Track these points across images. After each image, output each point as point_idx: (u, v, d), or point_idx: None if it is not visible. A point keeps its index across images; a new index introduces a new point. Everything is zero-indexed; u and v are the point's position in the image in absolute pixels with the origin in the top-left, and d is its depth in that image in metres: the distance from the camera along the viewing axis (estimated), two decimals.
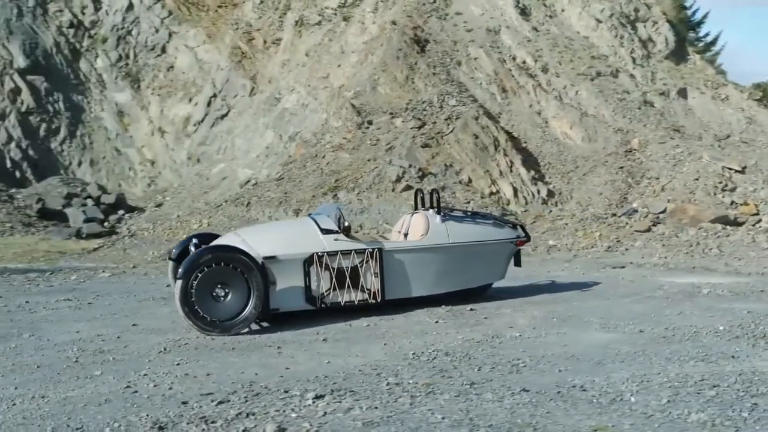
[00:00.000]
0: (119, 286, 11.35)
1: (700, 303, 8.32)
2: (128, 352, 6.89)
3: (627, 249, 14.21)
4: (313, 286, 7.87)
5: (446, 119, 19.89)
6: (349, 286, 7.98)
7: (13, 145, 33.41)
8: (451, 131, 19.56)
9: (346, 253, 7.96)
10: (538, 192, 18.98)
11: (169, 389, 5.67)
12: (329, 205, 9.71)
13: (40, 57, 34.67)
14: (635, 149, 19.84)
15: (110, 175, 34.93)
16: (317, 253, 7.87)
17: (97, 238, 22.64)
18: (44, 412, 5.23)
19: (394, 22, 23.16)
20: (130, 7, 36.22)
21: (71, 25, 35.55)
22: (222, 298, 7.42)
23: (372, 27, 24.58)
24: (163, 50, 36.00)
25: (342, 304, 8.02)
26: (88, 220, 27.79)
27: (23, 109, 34.01)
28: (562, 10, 23.42)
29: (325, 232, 8.02)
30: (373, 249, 8.08)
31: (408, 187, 18.39)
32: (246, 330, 7.64)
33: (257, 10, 33.53)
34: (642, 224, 16.68)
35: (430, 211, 8.72)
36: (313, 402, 5.09)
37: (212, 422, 4.79)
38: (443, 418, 4.65)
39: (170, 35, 36.08)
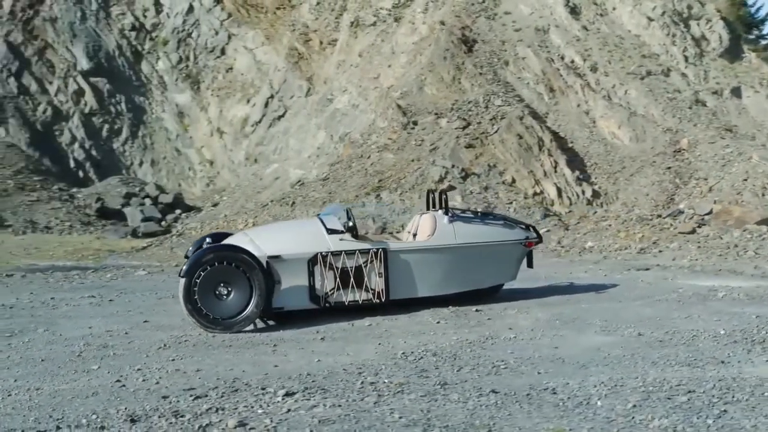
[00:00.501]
0: (147, 284, 11.64)
1: (712, 306, 8.16)
2: (130, 347, 7.09)
3: (661, 251, 13.98)
4: (318, 285, 7.97)
5: (491, 119, 19.83)
6: (353, 286, 8.05)
7: (76, 145, 34.36)
8: (496, 131, 19.49)
9: (350, 253, 8.03)
10: (583, 193, 18.79)
11: (156, 384, 5.83)
12: (338, 206, 9.78)
13: (102, 59, 35.56)
14: (684, 149, 19.48)
15: (170, 175, 35.66)
16: (321, 252, 7.96)
17: (152, 237, 23.17)
18: (34, 403, 5.44)
19: (442, 23, 23.17)
20: (191, 9, 36.86)
21: (133, 28, 36.37)
22: (225, 297, 7.57)
23: (422, 27, 24.63)
24: (223, 52, 36.57)
25: (346, 303, 8.10)
26: (145, 220, 28.51)
27: (86, 110, 34.94)
28: (613, 9, 23.11)
29: (331, 232, 8.10)
30: (378, 249, 8.14)
31: (451, 188, 18.40)
32: (250, 327, 7.77)
33: (314, 11, 33.78)
34: (686, 226, 16.38)
35: (439, 211, 8.73)
36: (283, 399, 5.19)
37: (181, 416, 4.93)
38: (400, 417, 4.70)
39: (229, 37, 36.63)
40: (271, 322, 8.18)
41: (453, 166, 18.76)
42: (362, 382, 5.55)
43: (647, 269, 11.47)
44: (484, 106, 20.24)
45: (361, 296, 8.12)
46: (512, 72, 21.64)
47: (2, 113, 32.92)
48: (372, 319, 8.00)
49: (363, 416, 4.74)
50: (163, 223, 28.13)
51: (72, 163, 34.01)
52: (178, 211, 29.66)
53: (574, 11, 22.91)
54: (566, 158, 19.30)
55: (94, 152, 34.61)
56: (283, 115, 33.45)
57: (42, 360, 6.74)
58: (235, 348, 6.95)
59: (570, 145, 20.05)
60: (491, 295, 9.06)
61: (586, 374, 5.64)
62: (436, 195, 9.13)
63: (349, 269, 8.03)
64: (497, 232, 8.75)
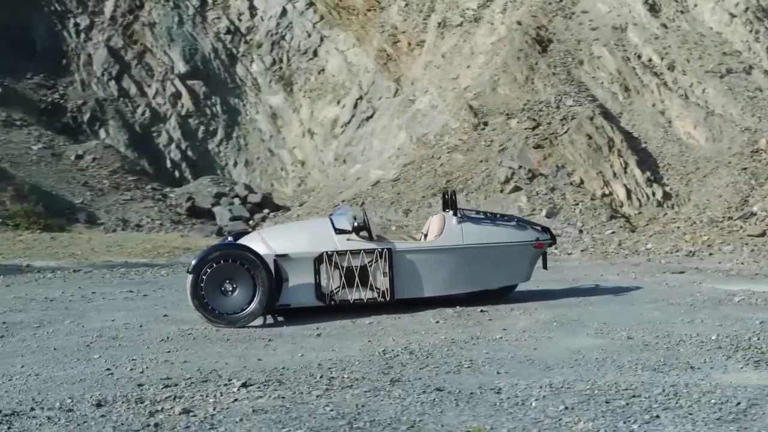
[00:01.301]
0: None
1: (722, 311, 8.01)
2: (137, 339, 7.51)
3: (711, 254, 13.65)
4: (324, 283, 8.22)
5: (561, 120, 19.69)
6: (358, 285, 8.26)
7: (173, 146, 35.64)
8: (566, 132, 19.33)
9: (355, 253, 8.26)
10: (653, 194, 18.46)
11: (141, 373, 6.19)
12: (351, 206, 10.00)
13: (198, 62, 36.80)
14: (762, 149, 18.86)
15: (263, 175, 36.59)
16: (327, 252, 8.20)
17: None
18: (26, 387, 5.89)
19: (519, 23, 23.09)
20: (284, 12, 37.65)
21: (228, 32, 37.47)
22: (230, 293, 7.92)
23: (501, 28, 24.60)
24: (315, 54, 37.25)
25: (351, 301, 8.32)
26: (234, 219, 29.42)
27: (183, 112, 36.22)
28: (695, 6, 22.51)
29: (339, 232, 8.34)
30: (383, 249, 8.32)
31: (516, 188, 18.39)
32: (258, 322, 8.09)
33: (402, 12, 34.02)
34: (756, 228, 15.90)
35: (449, 212, 8.83)
36: (238, 389, 5.46)
37: (140, 402, 5.27)
38: (332, 410, 4.90)
39: (321, 39, 37.29)
40: (280, 318, 8.48)
41: (520, 167, 18.71)
42: (322, 376, 5.77)
43: (682, 272, 11.26)
44: (555, 107, 20.11)
45: (366, 295, 8.33)
46: (587, 71, 21.40)
47: (103, 115, 34.50)
48: (376, 318, 8.19)
49: (297, 407, 4.96)
50: (250, 222, 28.97)
51: (168, 164, 35.38)
52: (266, 211, 30.50)
53: (654, 9, 22.43)
54: (637, 159, 18.99)
55: (189, 153, 35.90)
56: (371, 116, 33.88)
57: (54, 349, 7.21)
58: (232, 342, 7.27)
59: (643, 145, 19.69)
60: (504, 295, 9.13)
61: (542, 375, 5.70)
62: (449, 195, 9.22)
63: (354, 268, 8.24)
64: (507, 233, 8.80)
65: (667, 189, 18.61)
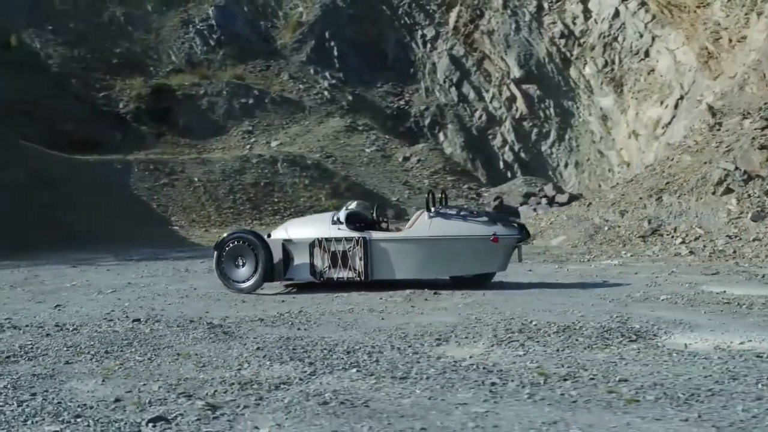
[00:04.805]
0: None
1: (623, 306, 8.48)
2: (172, 295, 10.59)
3: None
4: (316, 263, 10.52)
5: None
6: (341, 266, 10.43)
7: (506, 148, 38.40)
8: None
9: (339, 240, 10.44)
10: None
11: (125, 314, 9.10)
12: (362, 203, 11.74)
13: (532, 67, 39.08)
14: None
15: (592, 176, 37.85)
16: (318, 238, 10.49)
17: None
18: (54, 316, 9.10)
19: None
20: (617, 14, 38.35)
21: (562, 35, 39.20)
22: (241, 266, 10.61)
23: None
24: (646, 54, 37.49)
25: (335, 279, 10.52)
26: None
27: (517, 115, 38.81)
28: None
29: (334, 222, 10.58)
30: (359, 237, 10.40)
31: (728, 190, 18.25)
32: (276, 290, 10.71)
33: (725, 8, 33.06)
34: None
35: (424, 208, 10.59)
36: (128, 323, 8.20)
37: (75, 325, 8.22)
38: (137, 337, 7.44)
39: (653, 39, 37.43)
40: (293, 290, 10.94)
41: (736, 169, 18.48)
42: (206, 323, 8.14)
43: (715, 273, 11.27)
44: None
45: (347, 274, 10.47)
46: None
47: (442, 120, 38.31)
48: (349, 293, 10.19)
49: (124, 333, 7.60)
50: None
51: (501, 165, 38.16)
52: None
53: None
54: None
55: (522, 155, 38.37)
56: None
57: (118, 299, 10.49)
58: (220, 301, 9.99)
59: None
60: (484, 282, 10.57)
61: (323, 333, 7.51)
62: (438, 193, 10.89)
63: (338, 252, 10.43)
64: (469, 227, 10.25)
65: None
